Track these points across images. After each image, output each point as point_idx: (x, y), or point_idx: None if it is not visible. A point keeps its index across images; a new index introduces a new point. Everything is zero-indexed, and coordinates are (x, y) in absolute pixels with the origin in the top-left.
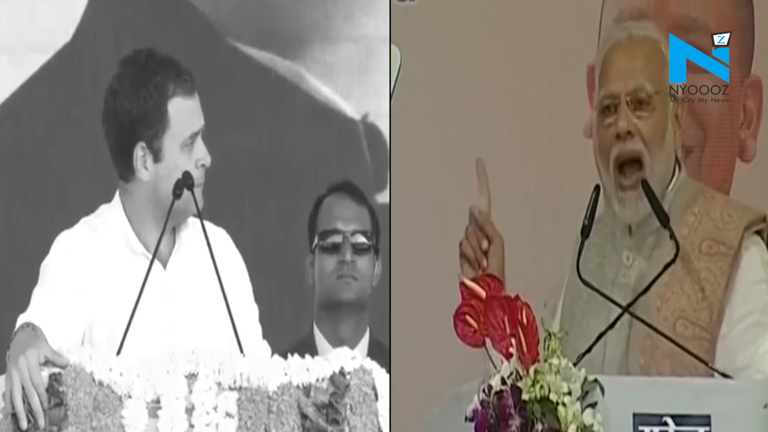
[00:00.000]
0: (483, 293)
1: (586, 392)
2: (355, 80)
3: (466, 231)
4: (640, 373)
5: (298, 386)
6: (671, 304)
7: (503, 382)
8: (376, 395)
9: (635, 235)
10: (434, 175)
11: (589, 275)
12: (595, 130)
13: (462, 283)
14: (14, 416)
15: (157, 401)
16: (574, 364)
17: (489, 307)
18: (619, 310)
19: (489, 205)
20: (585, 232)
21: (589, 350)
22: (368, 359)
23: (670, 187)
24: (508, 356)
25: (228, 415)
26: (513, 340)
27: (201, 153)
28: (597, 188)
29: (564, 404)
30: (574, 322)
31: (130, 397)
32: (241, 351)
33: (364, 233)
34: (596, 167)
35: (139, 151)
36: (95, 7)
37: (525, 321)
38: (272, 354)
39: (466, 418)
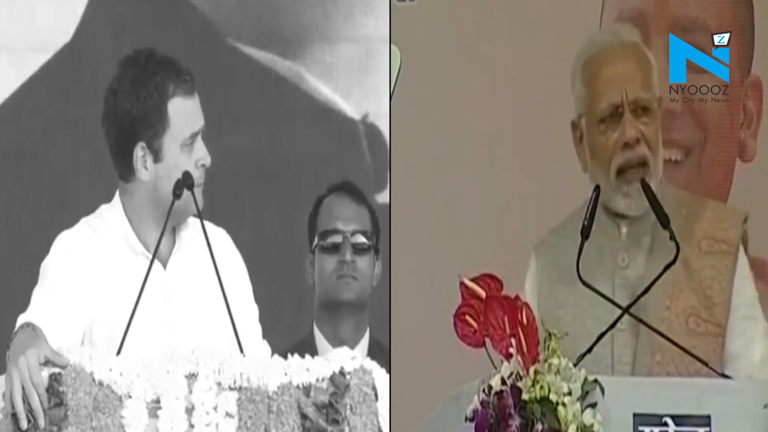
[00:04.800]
0: (483, 293)
1: (586, 392)
2: (355, 80)
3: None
4: (657, 370)
5: (298, 386)
6: (681, 302)
7: (503, 382)
8: (376, 395)
9: (629, 237)
10: (434, 175)
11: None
12: (589, 136)
13: (462, 283)
14: (14, 416)
15: (157, 401)
16: (575, 365)
17: (489, 307)
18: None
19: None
20: (585, 233)
21: (589, 350)
22: (368, 359)
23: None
24: (508, 356)
25: (228, 415)
26: (513, 341)
27: (201, 153)
28: (597, 188)
29: (564, 404)
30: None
31: (130, 397)
32: (241, 351)
33: (364, 233)
34: (584, 169)
35: (139, 151)
36: (95, 7)
37: (525, 321)
38: (272, 354)
39: (466, 418)
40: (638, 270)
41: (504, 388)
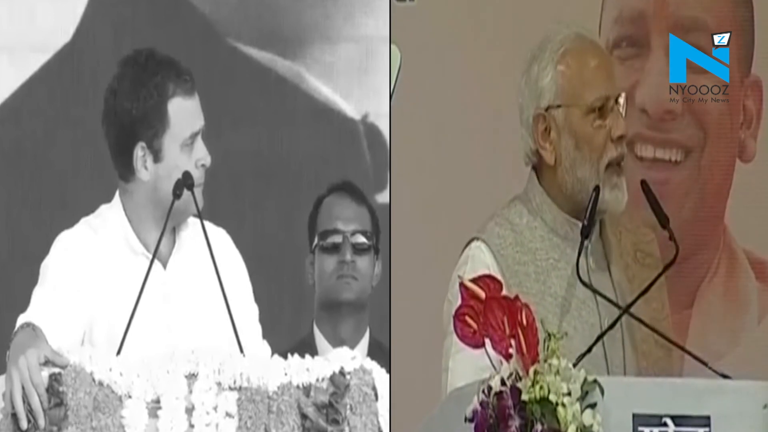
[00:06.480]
0: (482, 294)
1: (586, 393)
2: (355, 80)
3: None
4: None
5: (298, 386)
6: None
7: (503, 382)
8: (376, 395)
9: (593, 241)
10: (434, 175)
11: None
12: (575, 127)
13: (461, 284)
14: (14, 416)
15: (157, 401)
16: (574, 365)
17: (489, 308)
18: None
19: None
20: (585, 233)
21: (589, 350)
22: (368, 359)
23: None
24: (508, 357)
25: (228, 415)
26: (512, 341)
27: (201, 153)
28: (597, 188)
29: (564, 405)
30: None
31: (130, 397)
32: (241, 351)
33: (364, 233)
34: (552, 162)
35: (139, 151)
36: (95, 7)
37: (524, 322)
38: (272, 354)
39: (466, 419)
40: (606, 272)
41: (504, 388)
